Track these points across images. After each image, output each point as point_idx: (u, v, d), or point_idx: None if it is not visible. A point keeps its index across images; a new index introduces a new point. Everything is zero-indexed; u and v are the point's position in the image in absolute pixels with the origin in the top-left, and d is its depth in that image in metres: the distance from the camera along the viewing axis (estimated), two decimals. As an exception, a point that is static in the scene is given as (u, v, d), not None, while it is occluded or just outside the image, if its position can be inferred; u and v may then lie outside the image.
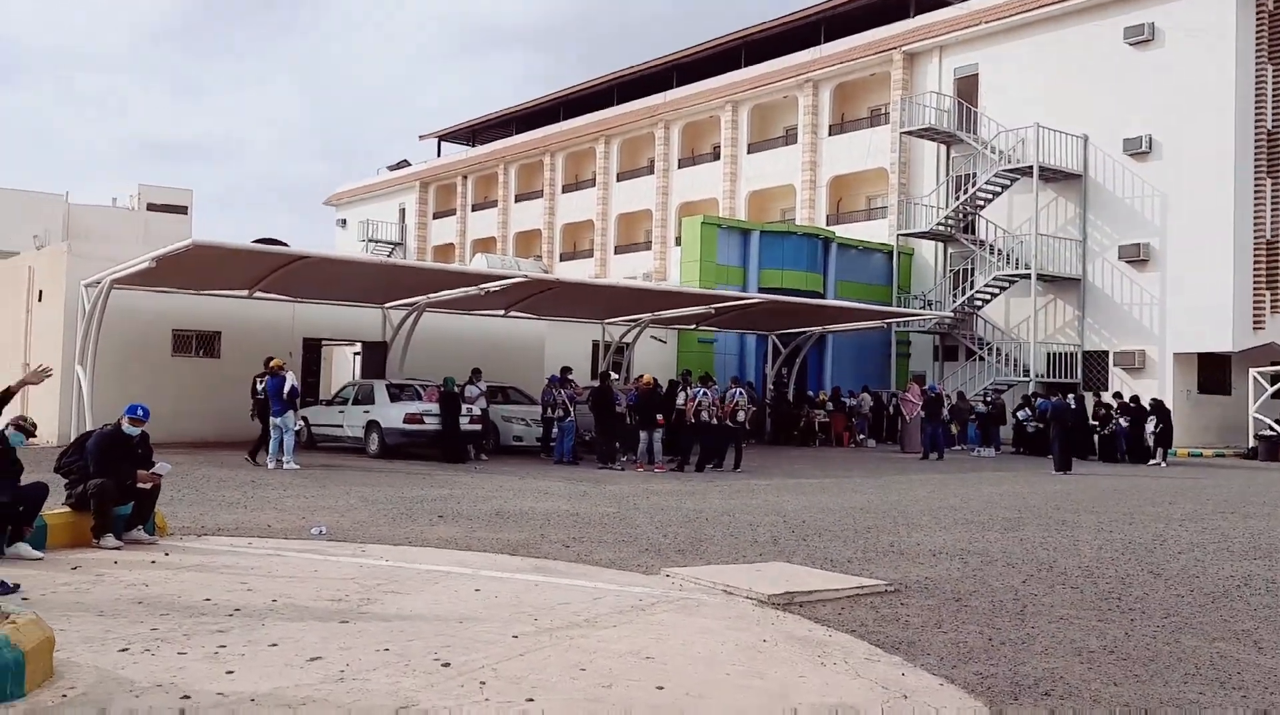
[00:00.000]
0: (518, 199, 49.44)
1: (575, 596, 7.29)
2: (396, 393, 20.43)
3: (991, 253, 32.29)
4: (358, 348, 26.61)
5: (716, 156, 41.59)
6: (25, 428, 8.54)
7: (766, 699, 5.04)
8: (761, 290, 30.10)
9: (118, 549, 8.59)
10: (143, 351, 21.50)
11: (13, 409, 8.90)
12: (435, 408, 19.44)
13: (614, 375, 21.48)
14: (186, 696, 4.71)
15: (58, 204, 51.88)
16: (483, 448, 20.18)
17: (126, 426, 9.09)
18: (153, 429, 15.41)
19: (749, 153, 40.25)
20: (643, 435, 18.81)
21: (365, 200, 56.84)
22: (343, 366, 30.21)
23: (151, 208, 56.52)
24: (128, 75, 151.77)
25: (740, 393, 19.91)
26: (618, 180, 44.66)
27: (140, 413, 9.17)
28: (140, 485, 8.93)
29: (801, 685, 5.30)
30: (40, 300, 22.66)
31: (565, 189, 47.21)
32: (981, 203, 32.55)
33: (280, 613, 6.46)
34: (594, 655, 5.75)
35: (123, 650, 5.45)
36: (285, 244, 24.84)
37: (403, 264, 27.37)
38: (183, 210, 57.39)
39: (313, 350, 24.48)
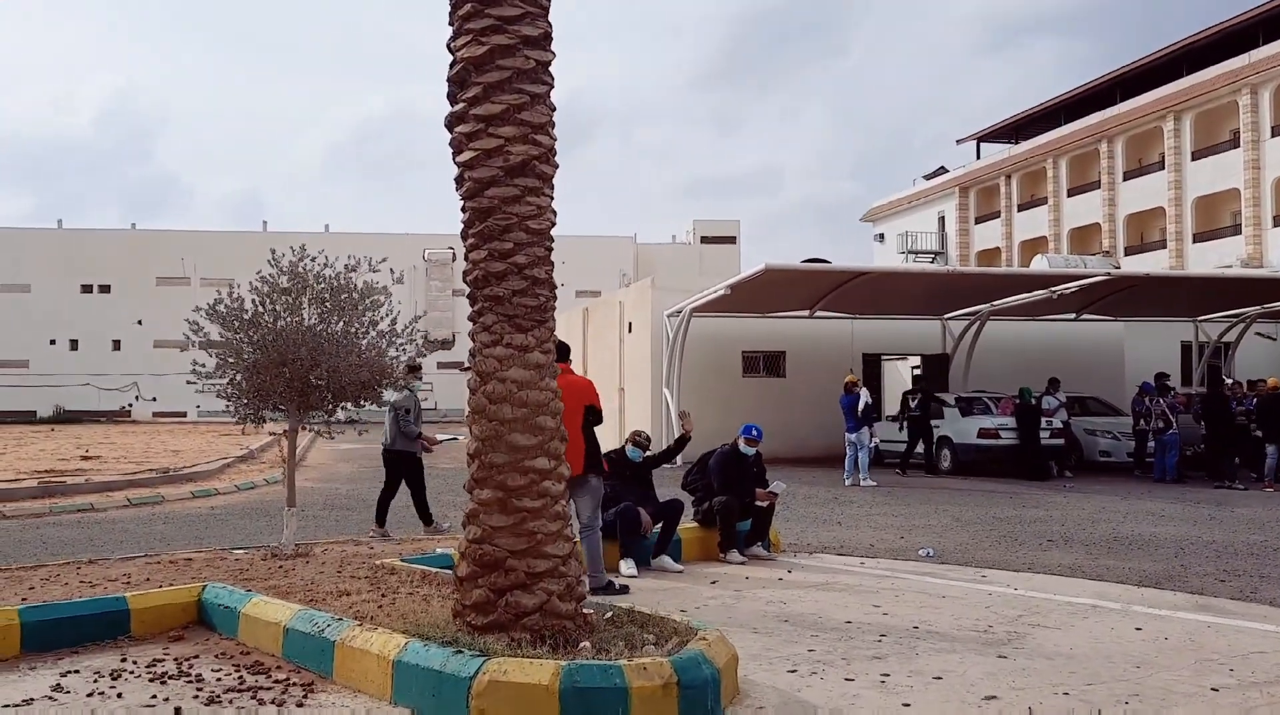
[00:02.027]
0: (1070, 193, 45.87)
1: (1268, 644, 6.10)
2: (966, 406, 19.60)
3: None
4: (914, 362, 26.18)
5: (1321, 117, 35.10)
6: (641, 443, 9.19)
7: None
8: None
9: (742, 564, 8.92)
10: (717, 373, 23.00)
11: (610, 427, 9.66)
12: (1010, 421, 18.31)
13: (1227, 379, 18.66)
14: (874, 730, 4.49)
15: (628, 245, 58.22)
16: (1065, 464, 18.59)
17: (743, 446, 9.45)
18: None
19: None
20: (1270, 449, 16.01)
21: (902, 213, 56.56)
22: (895, 381, 29.98)
23: (704, 240, 61.40)
24: (676, 122, 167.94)
25: None
26: (1192, 159, 39.49)
27: (755, 433, 9.48)
28: (758, 503, 9.21)
29: None
30: (630, 331, 25.29)
31: (1126, 176, 42.81)
32: None
33: (927, 640, 6.12)
34: (1336, 725, 4.63)
35: (791, 671, 5.43)
36: (828, 262, 25.32)
37: (967, 271, 26.49)
38: (731, 240, 61.48)
39: (871, 365, 24.53)
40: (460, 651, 4.75)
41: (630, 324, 25.30)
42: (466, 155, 5.36)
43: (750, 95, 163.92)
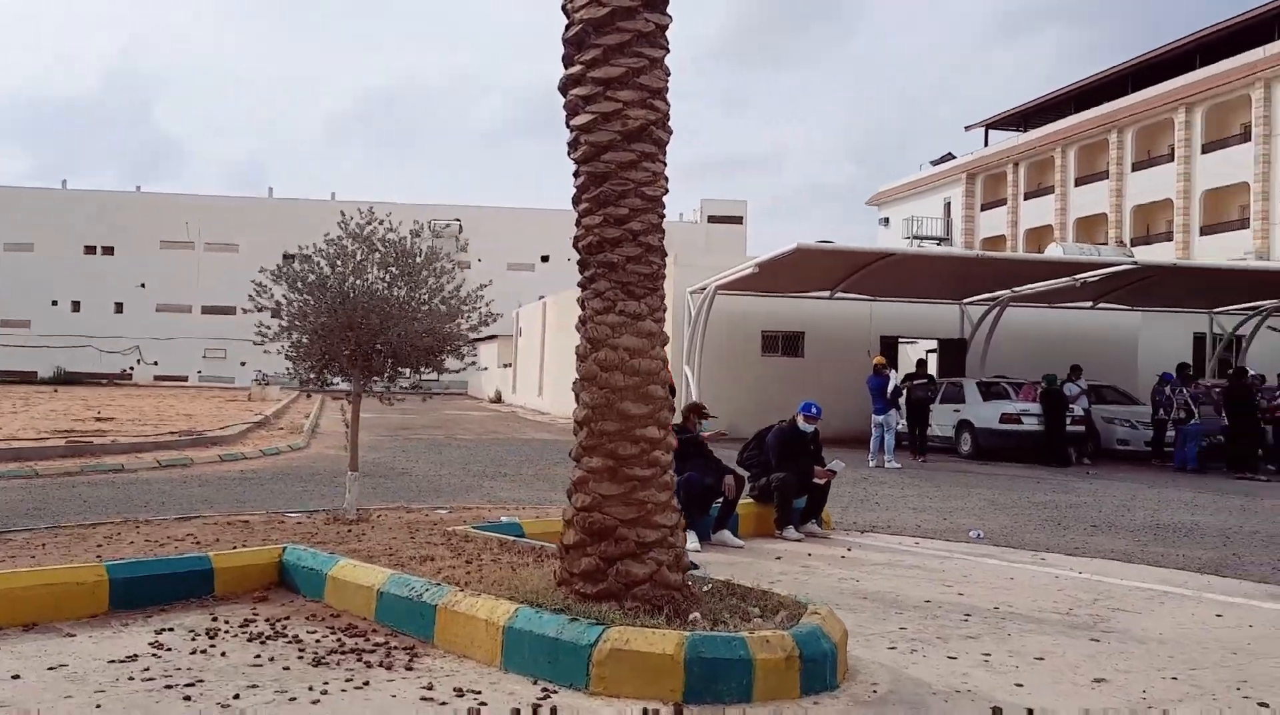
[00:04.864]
0: (1077, 183, 45.83)
1: (1353, 634, 6.09)
2: (986, 391, 19.61)
3: None
4: (931, 346, 26.18)
5: (1336, 113, 35.03)
6: (706, 414, 9.18)
7: None
8: None
9: (799, 540, 8.92)
10: (736, 352, 22.98)
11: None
12: (1033, 407, 18.34)
13: (1250, 371, 18.71)
14: (997, 708, 4.47)
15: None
16: (1084, 451, 18.64)
17: (801, 423, 9.43)
18: (744, 424, 16.26)
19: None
20: (1296, 442, 16.10)
21: (908, 198, 56.48)
22: (905, 365, 30.01)
23: (711, 219, 61.33)
24: (682, 98, 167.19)
25: None
26: (1202, 153, 39.48)
27: (814, 411, 9.46)
28: (815, 481, 9.20)
29: None
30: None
31: (1135, 167, 42.80)
32: None
33: (1013, 621, 6.12)
34: None
35: (890, 648, 5.42)
36: (832, 243, 25.26)
37: (994, 256, 26.48)
38: (738, 220, 61.45)
39: (888, 348, 24.50)
40: (576, 619, 4.73)
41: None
42: (583, 118, 5.29)
43: (758, 75, 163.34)
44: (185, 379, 49.02)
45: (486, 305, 8.62)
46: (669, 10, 5.38)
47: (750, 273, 19.24)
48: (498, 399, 43.72)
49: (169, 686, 4.47)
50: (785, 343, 23.71)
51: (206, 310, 50.69)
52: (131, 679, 4.58)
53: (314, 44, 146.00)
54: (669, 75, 5.40)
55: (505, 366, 42.52)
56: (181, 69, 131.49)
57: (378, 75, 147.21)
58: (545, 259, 55.57)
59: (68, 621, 5.48)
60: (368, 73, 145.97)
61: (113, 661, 4.83)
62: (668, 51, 5.38)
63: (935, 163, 56.90)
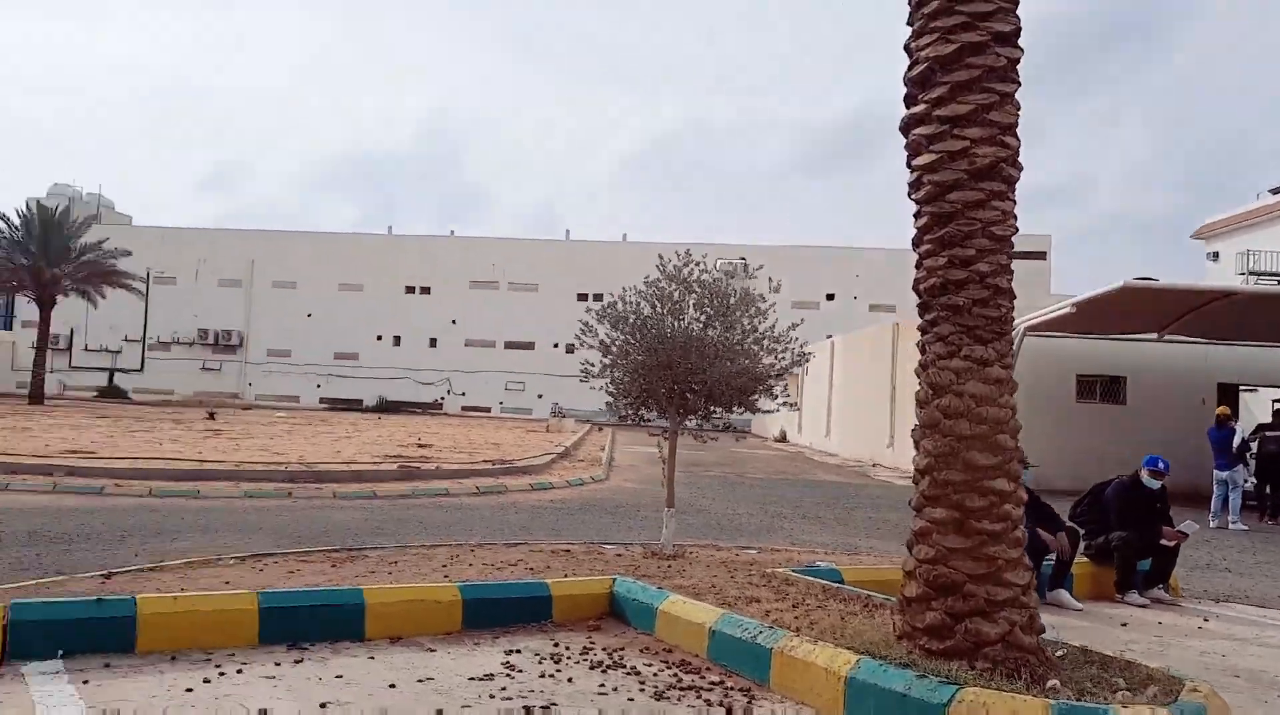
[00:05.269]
0: None
1: None
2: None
3: None
4: (1277, 395, 23.42)
5: None
6: (1026, 462, 8.58)
7: None
8: None
9: (1144, 607, 8.15)
10: (1048, 397, 21.50)
11: None
12: None
13: None
14: None
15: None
16: None
17: (1146, 478, 8.66)
18: (1055, 476, 15.07)
19: None
20: None
21: (1242, 229, 51.12)
22: (1247, 416, 26.98)
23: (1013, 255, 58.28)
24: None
25: None
26: None
27: (1161, 466, 8.67)
28: (1164, 542, 8.40)
29: None
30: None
31: None
32: None
33: None
34: None
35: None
36: (1156, 281, 23.14)
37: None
38: (1041, 256, 58.00)
39: (1228, 396, 22.13)
40: (925, 676, 4.52)
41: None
42: (926, 158, 5.15)
43: (1060, 101, 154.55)
44: (488, 410, 52.56)
45: (801, 346, 8.57)
46: (1019, 43, 5.14)
47: (1066, 312, 18.04)
48: (782, 438, 43.55)
49: (526, 708, 4.70)
50: (1104, 388, 21.99)
51: (509, 346, 54.19)
52: (493, 696, 4.86)
53: (610, 90, 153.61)
54: (1019, 110, 5.15)
55: (791, 406, 42.36)
56: (487, 122, 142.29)
57: (664, 118, 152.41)
58: (830, 298, 54.99)
59: (426, 636, 5.92)
60: (656, 117, 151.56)
61: (472, 679, 5.15)
62: (1019, 85, 5.14)
63: (1275, 191, 51.27)
